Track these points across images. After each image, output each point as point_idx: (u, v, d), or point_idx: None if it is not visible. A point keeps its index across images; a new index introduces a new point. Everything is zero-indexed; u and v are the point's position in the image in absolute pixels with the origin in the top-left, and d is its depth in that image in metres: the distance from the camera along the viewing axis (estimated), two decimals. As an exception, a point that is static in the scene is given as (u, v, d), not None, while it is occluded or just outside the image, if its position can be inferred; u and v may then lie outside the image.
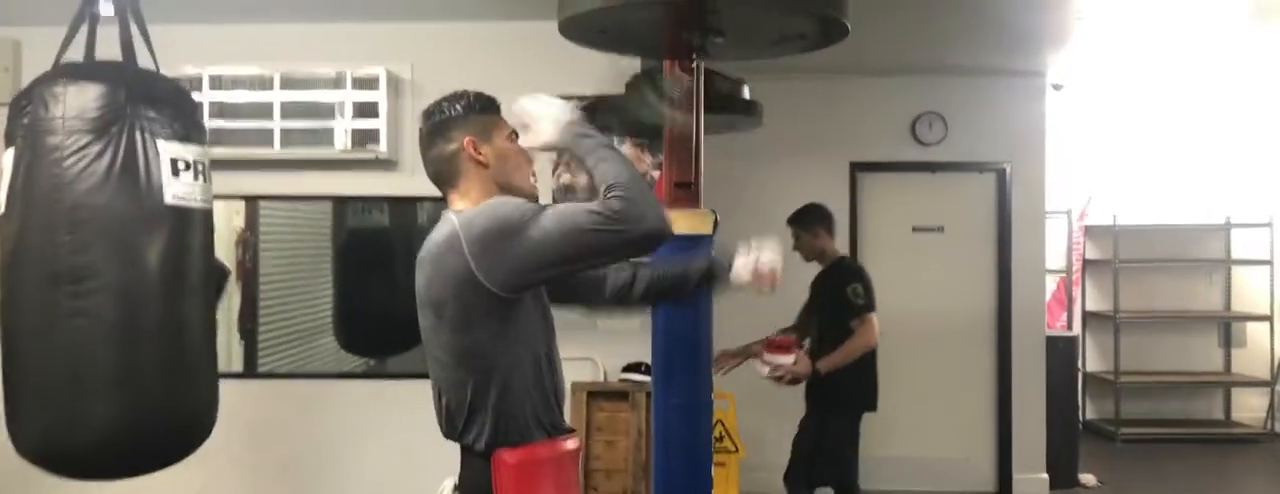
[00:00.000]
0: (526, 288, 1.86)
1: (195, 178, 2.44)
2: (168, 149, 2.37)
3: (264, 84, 4.13)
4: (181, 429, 2.47)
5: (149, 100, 2.35)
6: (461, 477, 1.95)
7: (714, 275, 2.24)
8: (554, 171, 4.22)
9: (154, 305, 2.34)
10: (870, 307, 4.01)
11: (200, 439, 2.56)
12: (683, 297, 2.29)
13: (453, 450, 2.07)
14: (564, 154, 4.21)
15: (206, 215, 2.53)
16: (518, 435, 1.88)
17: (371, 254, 4.52)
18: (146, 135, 2.32)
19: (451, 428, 1.95)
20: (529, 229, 1.78)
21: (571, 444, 1.99)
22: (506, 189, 1.99)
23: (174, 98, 2.47)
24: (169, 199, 2.36)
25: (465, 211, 1.91)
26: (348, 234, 4.50)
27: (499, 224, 1.80)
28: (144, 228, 2.32)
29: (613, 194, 1.76)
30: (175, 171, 2.38)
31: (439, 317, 1.89)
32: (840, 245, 4.54)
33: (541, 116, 1.92)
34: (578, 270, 1.91)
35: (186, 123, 2.46)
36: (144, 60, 2.49)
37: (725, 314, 2.75)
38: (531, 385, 1.91)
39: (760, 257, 2.17)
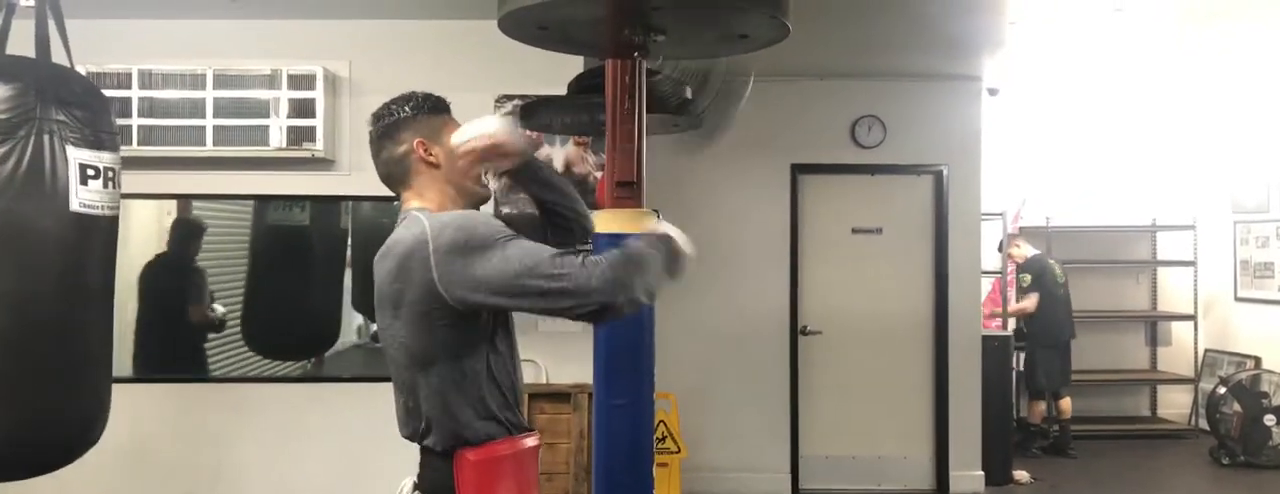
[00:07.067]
0: (474, 307, 1.80)
1: (104, 185, 2.37)
2: (77, 156, 2.30)
3: (197, 81, 4.03)
4: (64, 438, 2.40)
5: (61, 103, 2.28)
6: (421, 476, 1.92)
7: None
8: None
9: (48, 312, 2.27)
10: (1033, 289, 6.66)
11: (84, 448, 2.50)
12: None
13: (395, 453, 2.04)
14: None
15: (112, 222, 2.46)
16: (475, 435, 1.85)
17: (301, 253, 4.44)
18: (56, 140, 2.25)
19: (411, 429, 1.91)
20: (493, 253, 1.74)
21: (531, 441, 1.97)
22: (459, 189, 1.97)
23: (88, 100, 2.39)
24: (75, 207, 2.30)
25: (437, 215, 1.86)
26: (279, 232, 4.40)
27: (468, 239, 1.76)
28: (45, 234, 2.25)
29: (593, 258, 1.72)
30: (83, 179, 2.31)
31: (396, 315, 1.85)
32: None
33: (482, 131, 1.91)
34: (521, 309, 1.81)
35: (99, 128, 2.38)
36: (58, 55, 2.41)
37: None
38: (488, 385, 1.87)
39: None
